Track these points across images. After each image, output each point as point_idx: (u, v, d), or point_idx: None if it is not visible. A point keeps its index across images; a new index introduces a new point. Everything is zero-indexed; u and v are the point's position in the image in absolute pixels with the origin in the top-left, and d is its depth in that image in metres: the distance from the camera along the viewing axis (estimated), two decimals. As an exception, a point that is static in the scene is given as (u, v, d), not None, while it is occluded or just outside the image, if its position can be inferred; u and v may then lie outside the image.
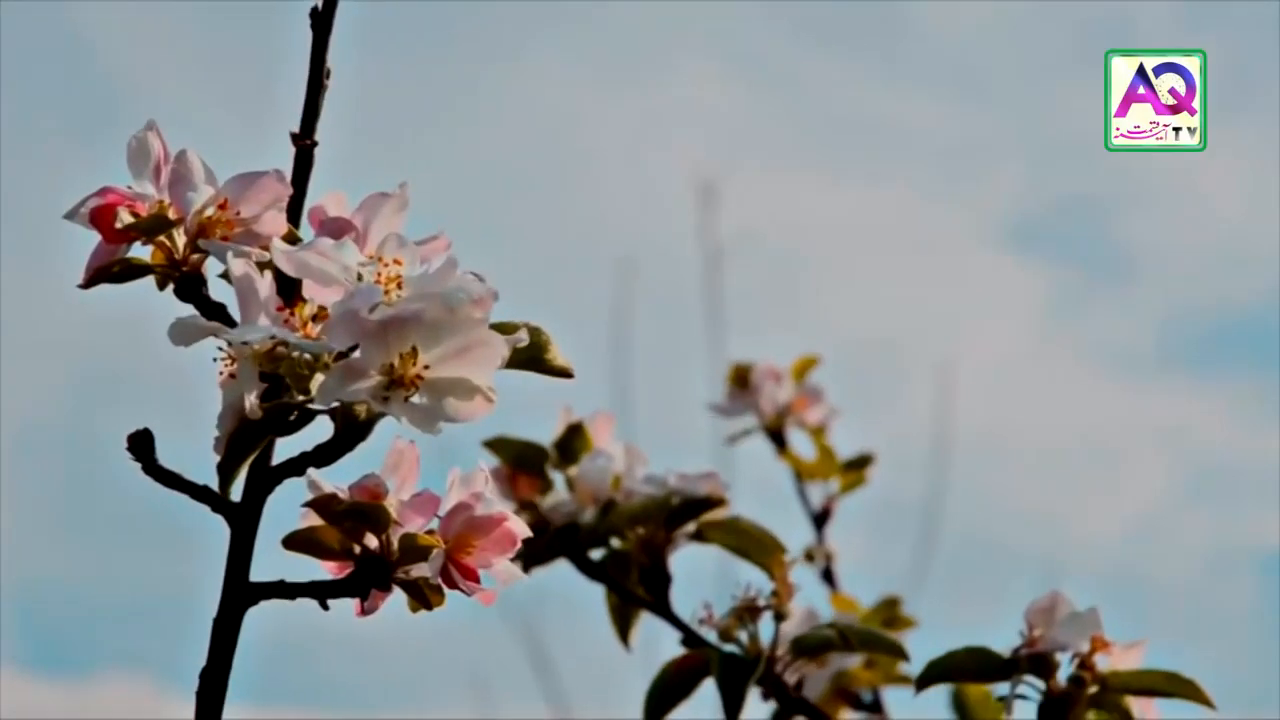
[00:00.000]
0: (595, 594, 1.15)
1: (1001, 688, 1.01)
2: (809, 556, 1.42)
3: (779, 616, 1.05)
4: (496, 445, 1.14)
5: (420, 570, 0.75)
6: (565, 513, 1.12)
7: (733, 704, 1.02)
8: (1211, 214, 2.52)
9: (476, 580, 0.75)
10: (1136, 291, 2.61)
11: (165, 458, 0.74)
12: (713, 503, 1.10)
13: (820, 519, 1.44)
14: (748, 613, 1.05)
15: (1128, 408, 2.57)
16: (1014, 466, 2.43)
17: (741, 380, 1.47)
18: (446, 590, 0.75)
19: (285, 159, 0.76)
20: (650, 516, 1.10)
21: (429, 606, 0.75)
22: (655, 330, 2.08)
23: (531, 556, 1.11)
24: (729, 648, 1.05)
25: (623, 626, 1.14)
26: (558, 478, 1.15)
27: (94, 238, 0.73)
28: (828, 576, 1.41)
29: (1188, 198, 2.53)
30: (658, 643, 1.15)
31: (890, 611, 1.24)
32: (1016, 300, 2.58)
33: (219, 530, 0.75)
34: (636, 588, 1.11)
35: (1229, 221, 2.52)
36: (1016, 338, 2.57)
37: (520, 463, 1.14)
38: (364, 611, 0.76)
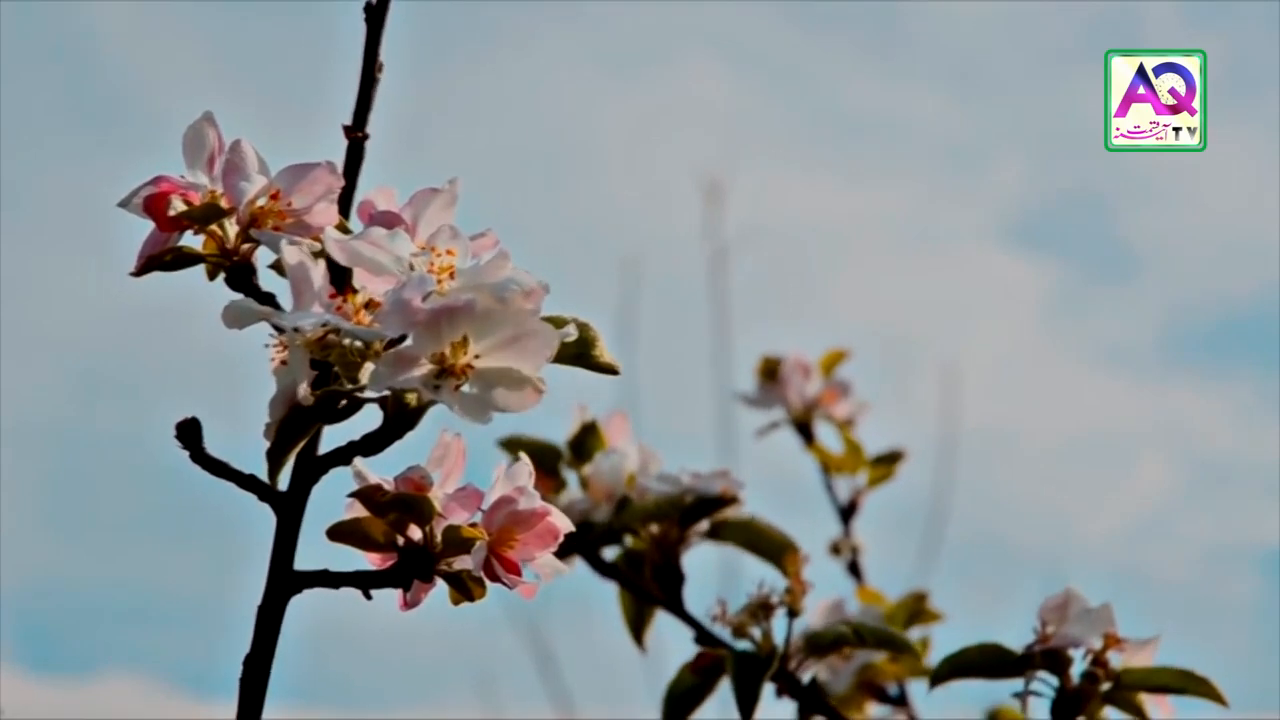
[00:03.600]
0: (602, 595, 1.15)
1: (1015, 684, 1.01)
2: (835, 550, 1.41)
3: (792, 614, 1.05)
4: (511, 444, 1.14)
5: (463, 563, 0.75)
6: (579, 511, 1.12)
7: (747, 702, 1.03)
8: (1213, 211, 2.53)
9: (518, 573, 0.75)
10: (1138, 289, 2.62)
11: (169, 454, 0.74)
12: (726, 501, 1.10)
13: (847, 513, 1.44)
14: (761, 610, 1.05)
15: (1129, 405, 2.58)
16: (1015, 463, 2.43)
17: (770, 373, 1.47)
18: (488, 583, 0.75)
19: (326, 153, 0.76)
20: (664, 515, 1.10)
21: (471, 598, 0.75)
22: (661, 328, 2.08)
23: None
24: (742, 645, 1.05)
25: (637, 626, 1.14)
26: (571, 476, 1.16)
27: (142, 227, 0.73)
28: (854, 570, 1.41)
29: (1189, 195, 2.53)
30: (665, 644, 1.15)
31: (917, 605, 1.24)
32: (1018, 297, 2.59)
33: (223, 530, 0.75)
34: (650, 586, 1.11)
35: (1231, 219, 2.53)
36: (1018, 335, 2.58)
37: (534, 461, 1.14)
38: (408, 604, 0.76)
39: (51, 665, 2.34)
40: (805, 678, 1.08)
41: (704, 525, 1.11)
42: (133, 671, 2.35)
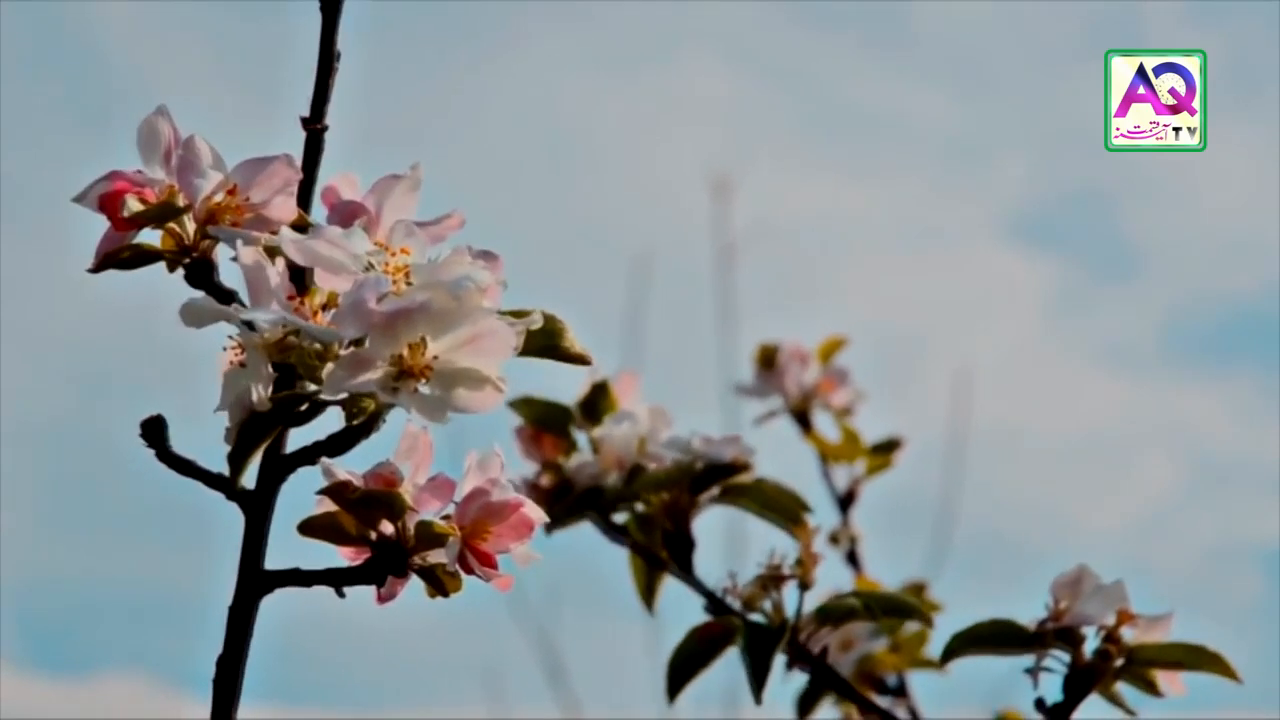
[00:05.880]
0: (607, 595, 1.14)
1: (1025, 661, 1.01)
2: (834, 539, 1.40)
3: (804, 585, 1.04)
4: (520, 405, 1.13)
5: (437, 556, 0.74)
6: (589, 475, 1.11)
7: (759, 673, 1.02)
8: (1215, 210, 2.52)
9: (494, 566, 0.74)
10: (1140, 287, 2.61)
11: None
12: (737, 468, 1.09)
13: (845, 502, 1.42)
14: (772, 581, 1.04)
15: (1130, 403, 2.57)
16: (1017, 461, 2.43)
17: (768, 361, 1.45)
18: (464, 577, 0.74)
19: (291, 145, 0.75)
20: (675, 482, 1.09)
21: (446, 593, 0.75)
22: (669, 324, 2.07)
23: (555, 518, 1.10)
24: (753, 616, 1.04)
25: (647, 590, 1.13)
26: (582, 438, 1.14)
27: (103, 221, 0.72)
28: (852, 559, 1.40)
29: (1192, 194, 2.53)
30: (666, 638, 1.14)
31: (916, 596, 1.23)
32: (1021, 295, 2.59)
33: (225, 526, 0.74)
34: (660, 551, 1.10)
35: (1232, 218, 2.52)
36: (1020, 333, 2.58)
37: (544, 423, 1.13)
38: (383, 599, 0.75)
39: (51, 665, 2.34)
40: (815, 649, 1.07)
41: (714, 491, 1.10)
42: (133, 671, 2.35)
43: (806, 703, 1.21)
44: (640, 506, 1.11)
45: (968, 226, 2.57)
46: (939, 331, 2.33)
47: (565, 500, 1.10)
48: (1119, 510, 2.45)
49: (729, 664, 1.08)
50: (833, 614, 1.05)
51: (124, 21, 2.50)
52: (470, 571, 0.74)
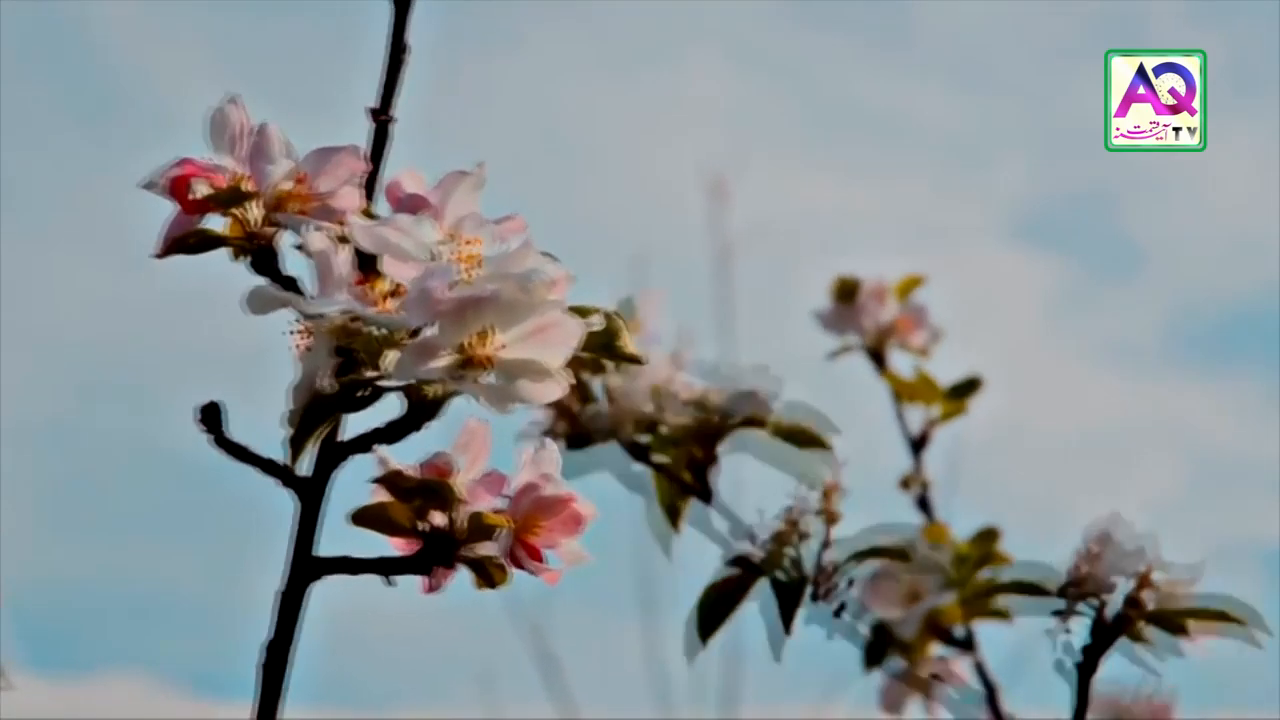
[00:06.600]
0: (605, 596, 1.15)
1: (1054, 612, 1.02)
2: (905, 483, 1.38)
3: (829, 519, 1.04)
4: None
5: (486, 549, 0.75)
6: (603, 430, 1.11)
7: (786, 613, 1.02)
8: (1215, 209, 2.53)
9: (542, 560, 0.75)
10: (1142, 286, 2.62)
11: (167, 451, 0.74)
12: (755, 423, 1.09)
13: (918, 445, 1.40)
14: (793, 526, 1.04)
15: (1132, 402, 2.58)
16: (1018, 461, 2.43)
17: (847, 296, 1.43)
18: (511, 569, 0.75)
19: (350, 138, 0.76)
20: (692, 438, 1.10)
21: (494, 585, 0.75)
22: (667, 324, 2.07)
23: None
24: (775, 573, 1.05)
25: (669, 518, 1.12)
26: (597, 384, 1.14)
27: (149, 216, 0.73)
28: (923, 505, 1.38)
29: (1192, 193, 2.54)
30: (667, 645, 1.15)
31: (987, 546, 1.21)
32: (1022, 295, 2.59)
33: (223, 530, 0.75)
34: (680, 501, 1.10)
35: (1233, 217, 2.53)
36: (1022, 333, 2.58)
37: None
38: (429, 589, 0.76)
39: (51, 665, 2.34)
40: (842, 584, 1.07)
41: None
42: (133, 671, 2.35)
43: (873, 655, 1.20)
44: (660, 458, 1.11)
45: (968, 226, 2.58)
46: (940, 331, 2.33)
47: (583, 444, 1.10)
48: (1120, 509, 2.46)
49: (727, 663, 1.08)
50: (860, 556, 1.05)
51: (124, 21, 2.49)
52: (519, 565, 0.75)
